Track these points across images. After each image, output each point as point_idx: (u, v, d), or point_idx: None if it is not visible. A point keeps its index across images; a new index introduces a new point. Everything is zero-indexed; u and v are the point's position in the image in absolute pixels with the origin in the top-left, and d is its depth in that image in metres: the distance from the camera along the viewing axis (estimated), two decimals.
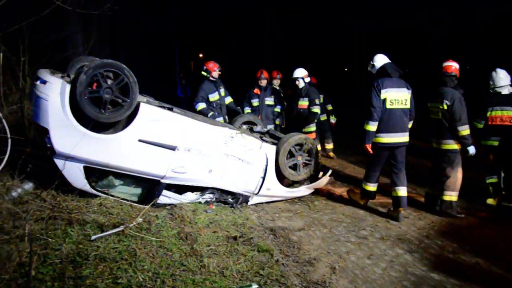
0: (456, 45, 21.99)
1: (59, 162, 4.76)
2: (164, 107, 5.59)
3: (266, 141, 6.57)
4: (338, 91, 8.98)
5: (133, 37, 19.76)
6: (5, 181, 4.74)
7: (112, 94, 4.79)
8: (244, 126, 7.57)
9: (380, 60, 6.14)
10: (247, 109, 9.33)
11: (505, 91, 6.48)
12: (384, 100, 5.89)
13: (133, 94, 4.90)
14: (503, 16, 19.38)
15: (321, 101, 8.93)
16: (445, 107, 6.02)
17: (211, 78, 8.60)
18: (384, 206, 6.61)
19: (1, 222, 3.95)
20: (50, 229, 4.08)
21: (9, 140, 4.42)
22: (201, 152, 5.59)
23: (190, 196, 5.81)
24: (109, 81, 4.82)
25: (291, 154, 6.46)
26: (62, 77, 4.90)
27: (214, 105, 8.62)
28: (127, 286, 3.36)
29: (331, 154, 9.72)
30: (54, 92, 4.65)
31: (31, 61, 6.87)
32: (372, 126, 5.96)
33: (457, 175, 6.18)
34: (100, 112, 4.75)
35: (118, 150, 4.97)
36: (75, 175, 4.90)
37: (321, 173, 7.01)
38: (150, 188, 5.41)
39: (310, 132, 8.56)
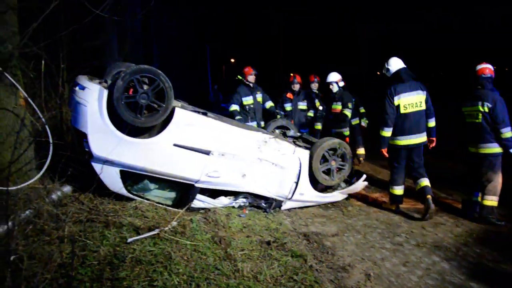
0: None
1: (96, 166, 4.88)
2: (198, 112, 5.66)
3: (300, 146, 6.56)
4: (374, 95, 8.84)
5: (165, 43, 20.09)
6: (46, 184, 4.88)
7: (148, 99, 4.89)
8: (277, 131, 7.58)
9: (395, 64, 6.39)
10: (277, 111, 9.36)
11: None
12: (398, 106, 6.22)
13: (168, 99, 4.99)
14: None
15: (353, 103, 8.84)
16: (486, 109, 5.87)
17: (246, 82, 8.65)
18: (419, 212, 6.48)
19: (42, 223, 4.09)
20: (88, 231, 4.19)
21: (51, 145, 4.54)
22: (234, 156, 5.63)
23: (223, 201, 5.87)
24: (145, 87, 4.92)
25: (324, 159, 6.42)
26: (100, 83, 5.03)
27: (247, 109, 8.67)
28: None
29: (361, 159, 9.57)
30: (92, 98, 4.78)
31: (69, 67, 7.08)
32: (387, 132, 6.32)
33: (498, 180, 6.03)
34: (136, 117, 4.85)
35: (154, 154, 5.06)
36: (112, 178, 5.02)
37: (355, 178, 6.95)
38: (184, 192, 5.48)
39: (344, 136, 8.51)
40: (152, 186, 5.42)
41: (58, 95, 6.86)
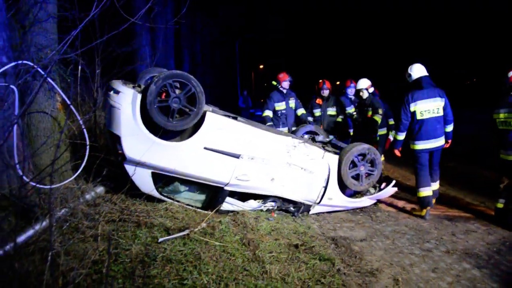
0: None
1: (129, 168, 5.03)
2: (229, 116, 5.74)
3: (329, 151, 6.57)
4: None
5: (197, 49, 20.35)
6: (81, 185, 5.06)
7: (180, 103, 5.00)
8: (307, 136, 7.62)
9: (417, 71, 6.62)
10: (310, 119, 9.38)
11: None
12: (414, 112, 6.52)
13: (200, 103, 5.09)
14: None
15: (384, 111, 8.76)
16: None
17: (280, 89, 8.73)
18: (449, 219, 6.43)
19: (77, 222, 4.27)
20: (121, 230, 4.35)
21: (87, 147, 4.70)
22: (264, 160, 5.70)
23: (252, 204, 5.94)
24: (177, 91, 5.03)
25: (353, 164, 6.42)
26: (133, 87, 5.18)
27: (279, 114, 8.74)
28: (192, 287, 3.50)
29: None
30: (126, 102, 4.91)
31: (103, 72, 7.29)
32: (400, 136, 6.74)
33: None
34: (168, 120, 4.97)
35: (185, 157, 5.17)
36: (143, 180, 5.16)
37: (384, 184, 6.95)
38: (213, 194, 5.58)
39: (373, 142, 8.45)
40: (182, 188, 5.56)
41: (92, 99, 7.08)
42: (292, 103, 8.89)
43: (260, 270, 4.03)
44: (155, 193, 5.30)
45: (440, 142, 6.60)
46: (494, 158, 6.39)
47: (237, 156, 5.47)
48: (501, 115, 6.06)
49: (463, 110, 18.27)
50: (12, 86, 3.79)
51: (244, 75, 36.37)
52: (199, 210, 5.47)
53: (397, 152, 6.90)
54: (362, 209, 6.96)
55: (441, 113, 6.52)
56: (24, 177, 3.63)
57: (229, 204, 5.72)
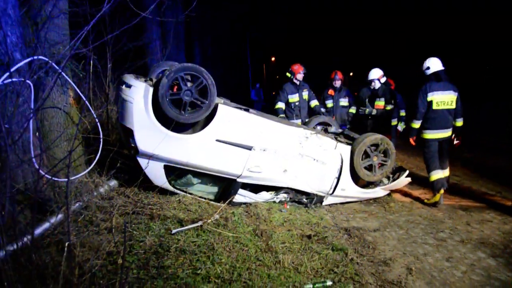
0: None
1: (142, 161, 5.10)
2: (240, 108, 5.79)
3: (341, 141, 6.59)
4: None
5: (207, 43, 20.38)
6: (94, 178, 5.16)
7: (192, 96, 5.04)
8: (319, 127, 7.64)
9: (435, 65, 6.84)
10: (322, 110, 9.38)
11: None
12: (431, 102, 6.77)
13: (211, 96, 5.13)
14: None
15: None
16: None
17: (294, 81, 8.74)
18: (464, 209, 6.44)
19: (91, 215, 4.37)
20: (134, 222, 4.46)
21: (101, 140, 4.78)
22: (276, 152, 5.74)
23: (265, 196, 6.00)
24: (189, 84, 5.08)
25: (366, 155, 6.44)
26: (145, 81, 5.24)
27: (293, 107, 8.75)
28: (206, 277, 3.58)
29: None
30: (138, 95, 4.98)
31: (114, 67, 7.36)
32: (416, 124, 6.95)
33: None
34: (180, 113, 5.02)
35: (197, 149, 5.23)
36: (156, 173, 5.24)
37: (397, 174, 6.94)
38: (226, 187, 5.64)
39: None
40: (195, 180, 5.62)
41: (104, 94, 7.17)
42: (305, 94, 8.88)
43: (273, 260, 4.10)
44: (168, 186, 5.37)
45: (449, 133, 6.91)
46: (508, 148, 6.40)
47: (249, 148, 5.51)
48: None
49: (482, 101, 18.11)
50: (28, 81, 3.86)
51: (256, 68, 36.35)
52: (212, 202, 5.53)
53: (412, 141, 7.09)
54: (375, 199, 6.99)
55: (453, 106, 6.82)
56: (41, 171, 3.71)
57: (241, 196, 5.78)
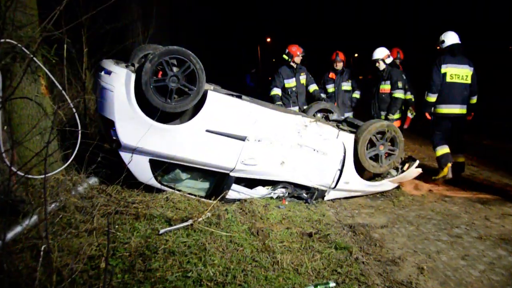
0: None
1: (125, 155, 5.10)
2: (232, 95, 5.79)
3: (344, 130, 6.61)
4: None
5: (195, 23, 20.26)
6: (72, 176, 5.16)
7: (178, 82, 5.04)
8: (319, 114, 7.65)
9: (451, 38, 7.32)
10: (322, 95, 9.37)
11: None
12: (444, 74, 7.22)
13: (200, 81, 5.13)
14: None
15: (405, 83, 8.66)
16: None
17: (291, 63, 8.73)
18: (482, 202, 6.49)
19: (69, 216, 4.38)
20: (118, 223, 4.47)
21: (79, 133, 4.76)
22: (272, 142, 5.76)
23: (261, 191, 6.05)
24: (175, 69, 5.07)
25: (371, 144, 6.47)
26: (126, 66, 5.23)
27: (289, 92, 8.76)
28: (197, 280, 3.61)
29: None
30: (119, 83, 4.96)
31: (90, 52, 7.33)
32: (432, 98, 7.37)
33: None
34: (166, 101, 5.02)
35: (185, 141, 5.25)
36: (141, 168, 5.25)
37: (406, 165, 6.96)
38: (218, 182, 5.67)
39: (394, 120, 8.45)
40: (184, 176, 5.64)
41: (80, 82, 7.14)
42: (303, 79, 8.88)
43: (271, 261, 4.14)
44: (154, 182, 5.38)
45: (463, 110, 7.32)
46: None
47: (242, 139, 5.53)
48: None
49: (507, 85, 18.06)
50: None
51: (250, 50, 36.25)
52: (202, 199, 5.56)
53: (427, 115, 7.56)
54: (382, 193, 7.04)
55: (469, 81, 7.26)
56: (12, 168, 3.70)
57: (235, 191, 5.82)
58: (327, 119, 7.36)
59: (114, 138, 5.02)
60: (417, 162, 6.93)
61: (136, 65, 5.35)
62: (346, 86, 9.47)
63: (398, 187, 7.20)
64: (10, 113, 4.78)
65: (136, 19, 11.43)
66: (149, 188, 5.38)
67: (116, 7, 9.99)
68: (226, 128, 5.45)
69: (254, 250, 4.33)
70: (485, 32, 26.38)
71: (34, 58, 4.56)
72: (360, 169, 6.51)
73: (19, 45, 4.30)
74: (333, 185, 6.35)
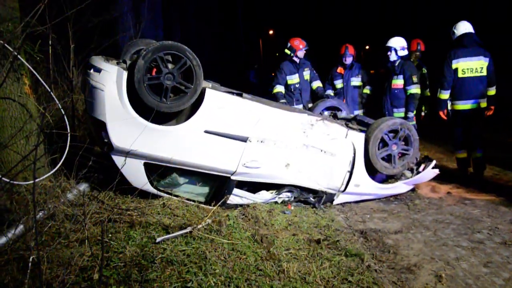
0: None
1: (117, 159, 5.14)
2: (232, 93, 5.83)
3: (353, 128, 6.65)
4: None
5: (190, 16, 20.27)
6: (61, 182, 5.21)
7: (174, 80, 5.07)
8: (326, 112, 7.69)
9: (461, 28, 7.55)
10: (329, 92, 9.40)
11: None
12: (456, 69, 7.49)
13: (197, 79, 5.17)
14: None
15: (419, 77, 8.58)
16: None
17: (294, 58, 8.78)
18: (507, 205, 6.46)
19: (58, 225, 4.41)
20: (111, 231, 4.50)
21: (69, 136, 4.79)
22: (276, 143, 5.81)
23: (264, 195, 6.09)
24: (170, 66, 5.09)
25: (384, 143, 6.48)
26: (117, 63, 5.27)
27: (292, 89, 8.81)
28: None
29: None
30: (110, 81, 4.99)
31: (78, 48, 7.34)
32: (444, 95, 7.70)
33: None
34: (161, 100, 5.05)
35: (182, 143, 5.29)
36: (135, 173, 5.28)
37: (422, 166, 6.97)
38: (218, 186, 5.72)
39: (412, 119, 8.41)
40: (181, 180, 5.68)
41: (67, 80, 7.15)
42: (307, 74, 8.94)
43: (276, 269, 4.18)
44: (150, 188, 5.41)
45: (481, 104, 7.55)
46: None
47: (244, 139, 5.58)
48: None
49: None
50: None
51: (251, 44, 36.22)
52: (202, 205, 5.61)
53: (442, 114, 7.83)
54: (396, 196, 7.08)
55: (484, 73, 7.46)
56: None
57: (237, 196, 5.87)
58: (335, 117, 7.38)
59: (105, 140, 5.03)
60: (434, 162, 6.93)
61: (128, 62, 5.38)
62: (356, 81, 9.49)
63: (413, 190, 7.24)
64: None
65: (127, 11, 11.46)
66: (144, 194, 5.42)
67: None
68: (226, 129, 5.48)
69: (258, 258, 4.37)
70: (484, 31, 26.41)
71: (18, 56, 4.58)
72: (372, 171, 6.53)
73: (0, 41, 4.33)
74: (342, 188, 6.40)
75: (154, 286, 3.62)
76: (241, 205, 5.88)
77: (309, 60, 9.14)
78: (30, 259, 3.34)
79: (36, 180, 4.69)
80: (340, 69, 9.54)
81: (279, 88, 8.71)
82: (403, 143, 6.60)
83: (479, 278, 4.45)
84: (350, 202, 6.75)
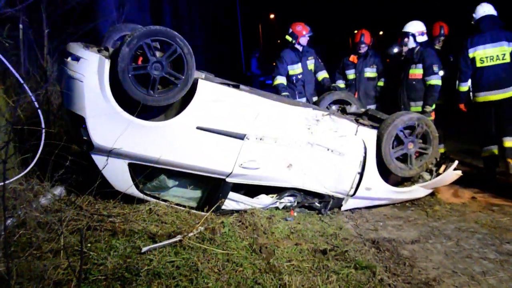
0: None
1: (98, 159, 5.13)
2: (228, 85, 5.82)
3: (364, 125, 6.64)
4: None
5: None
6: (33, 184, 5.20)
7: (163, 70, 5.05)
8: (334, 107, 7.70)
9: (480, 11, 7.62)
10: (340, 83, 9.41)
11: None
12: (473, 59, 7.57)
13: (189, 69, 5.16)
14: None
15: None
16: None
17: (296, 46, 8.77)
18: None
19: (29, 234, 4.38)
20: (90, 241, 4.50)
21: (43, 132, 4.77)
22: (277, 141, 5.82)
23: (264, 200, 6.11)
24: (158, 54, 5.09)
25: (398, 141, 6.48)
26: (98, 51, 5.23)
27: (294, 81, 8.81)
28: None
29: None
30: (90, 71, 4.96)
31: (53, 33, 7.29)
32: (463, 87, 7.87)
33: None
34: (148, 93, 5.03)
35: (171, 141, 5.30)
36: (118, 175, 5.28)
37: (443, 167, 6.96)
38: (212, 189, 5.74)
39: (430, 114, 8.34)
40: (170, 183, 5.70)
41: (40, 70, 7.11)
42: (311, 64, 8.93)
43: (276, 283, 4.17)
44: (135, 191, 5.39)
45: (506, 93, 7.54)
46: None
47: (241, 137, 5.59)
48: None
49: None
50: None
51: (249, 30, 36.14)
52: (193, 210, 5.61)
53: (462, 107, 8.06)
54: (413, 201, 7.07)
55: (508, 59, 7.50)
56: None
57: (233, 201, 5.89)
58: (343, 112, 7.39)
59: (84, 138, 5.01)
60: (456, 162, 6.89)
61: (111, 49, 5.36)
62: (370, 72, 9.45)
63: (432, 194, 7.23)
64: None
65: None
66: (128, 199, 5.43)
67: None
68: (221, 125, 5.49)
69: (256, 270, 4.36)
70: None
71: None
72: (385, 173, 6.53)
73: None
74: (351, 192, 6.40)
75: None
76: (237, 211, 5.89)
77: (314, 48, 9.09)
78: None
79: (6, 182, 4.69)
80: (353, 57, 9.49)
81: (280, 79, 8.69)
82: (420, 141, 6.60)
83: None
84: (360, 208, 6.76)
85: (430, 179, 6.92)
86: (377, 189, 6.52)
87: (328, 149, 6.14)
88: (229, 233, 5.05)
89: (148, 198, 5.52)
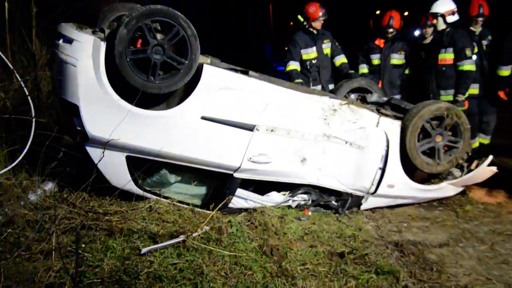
0: None
1: (93, 152, 5.16)
2: (236, 70, 5.81)
3: (386, 115, 6.59)
4: None
5: None
6: (22, 179, 5.26)
7: (164, 53, 5.06)
8: (353, 95, 7.71)
9: None
10: (363, 68, 9.40)
11: None
12: None
13: (193, 53, 5.17)
14: None
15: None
16: None
17: (309, 28, 8.73)
18: None
19: (17, 233, 4.43)
20: (85, 241, 4.53)
21: (33, 122, 4.79)
22: (290, 133, 5.85)
23: (275, 198, 6.15)
24: (159, 36, 5.11)
25: (425, 133, 6.45)
26: (93, 32, 5.25)
27: (308, 66, 8.75)
28: None
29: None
30: (85, 54, 4.97)
31: (41, 13, 7.30)
32: (505, 71, 7.85)
33: None
34: (148, 79, 5.04)
35: (174, 132, 5.34)
36: (115, 169, 5.32)
37: (475, 162, 6.96)
38: (218, 186, 5.79)
39: (462, 103, 8.17)
40: (172, 178, 5.75)
41: (29, 54, 7.14)
42: (327, 47, 8.86)
43: None
44: (133, 187, 5.43)
45: None
46: None
47: (250, 128, 5.63)
48: None
49: None
50: None
51: (258, 10, 36.02)
52: (198, 208, 5.64)
53: (502, 94, 7.97)
54: (441, 201, 7.08)
55: None
56: None
57: (241, 198, 5.93)
58: (363, 101, 7.39)
59: (78, 128, 5.04)
60: (490, 158, 6.87)
61: (107, 31, 5.34)
62: (398, 59, 9.33)
63: (463, 193, 7.21)
64: None
65: None
66: (126, 195, 5.46)
67: None
68: (228, 114, 5.52)
69: (267, 274, 4.39)
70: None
71: None
72: (410, 168, 6.52)
73: None
74: (372, 190, 6.42)
75: None
76: (246, 209, 5.93)
77: (330, 31, 9.06)
78: None
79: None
80: (379, 41, 9.40)
81: (294, 65, 8.64)
82: (450, 133, 6.55)
83: None
84: (382, 208, 6.79)
85: (460, 176, 6.90)
86: (400, 187, 6.51)
87: (346, 142, 6.16)
88: (237, 233, 5.08)
89: (148, 195, 5.55)
